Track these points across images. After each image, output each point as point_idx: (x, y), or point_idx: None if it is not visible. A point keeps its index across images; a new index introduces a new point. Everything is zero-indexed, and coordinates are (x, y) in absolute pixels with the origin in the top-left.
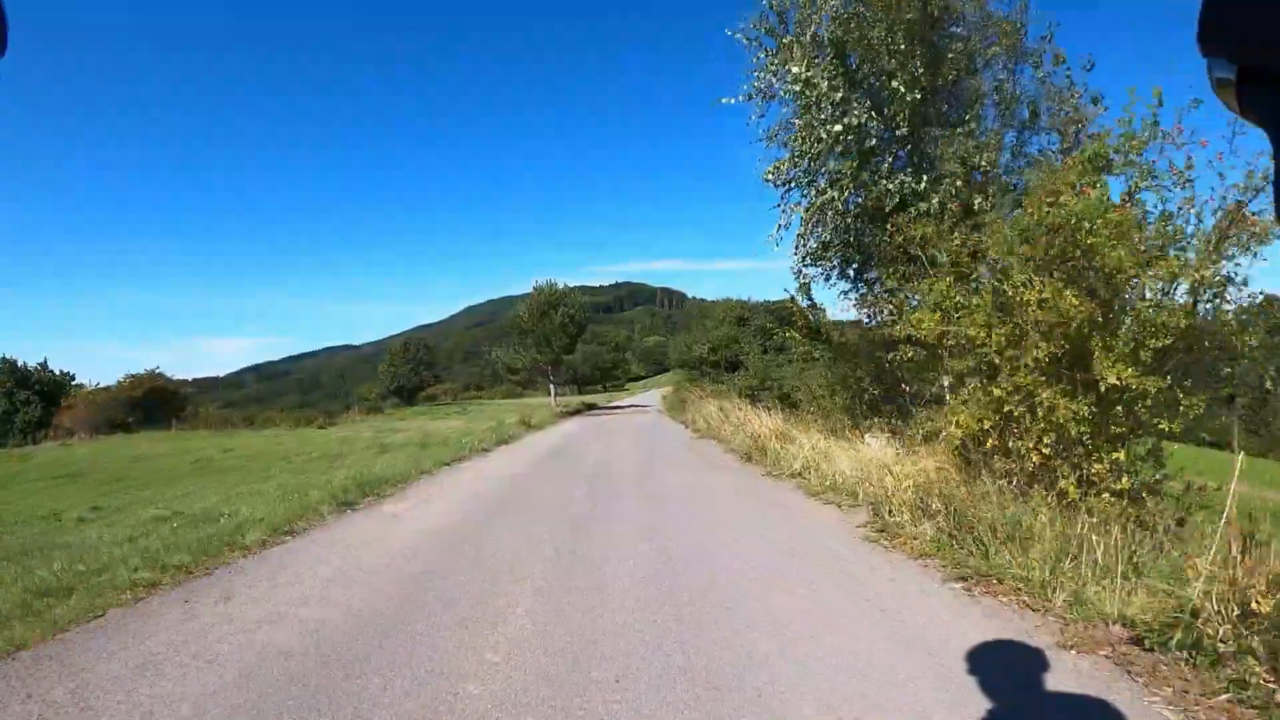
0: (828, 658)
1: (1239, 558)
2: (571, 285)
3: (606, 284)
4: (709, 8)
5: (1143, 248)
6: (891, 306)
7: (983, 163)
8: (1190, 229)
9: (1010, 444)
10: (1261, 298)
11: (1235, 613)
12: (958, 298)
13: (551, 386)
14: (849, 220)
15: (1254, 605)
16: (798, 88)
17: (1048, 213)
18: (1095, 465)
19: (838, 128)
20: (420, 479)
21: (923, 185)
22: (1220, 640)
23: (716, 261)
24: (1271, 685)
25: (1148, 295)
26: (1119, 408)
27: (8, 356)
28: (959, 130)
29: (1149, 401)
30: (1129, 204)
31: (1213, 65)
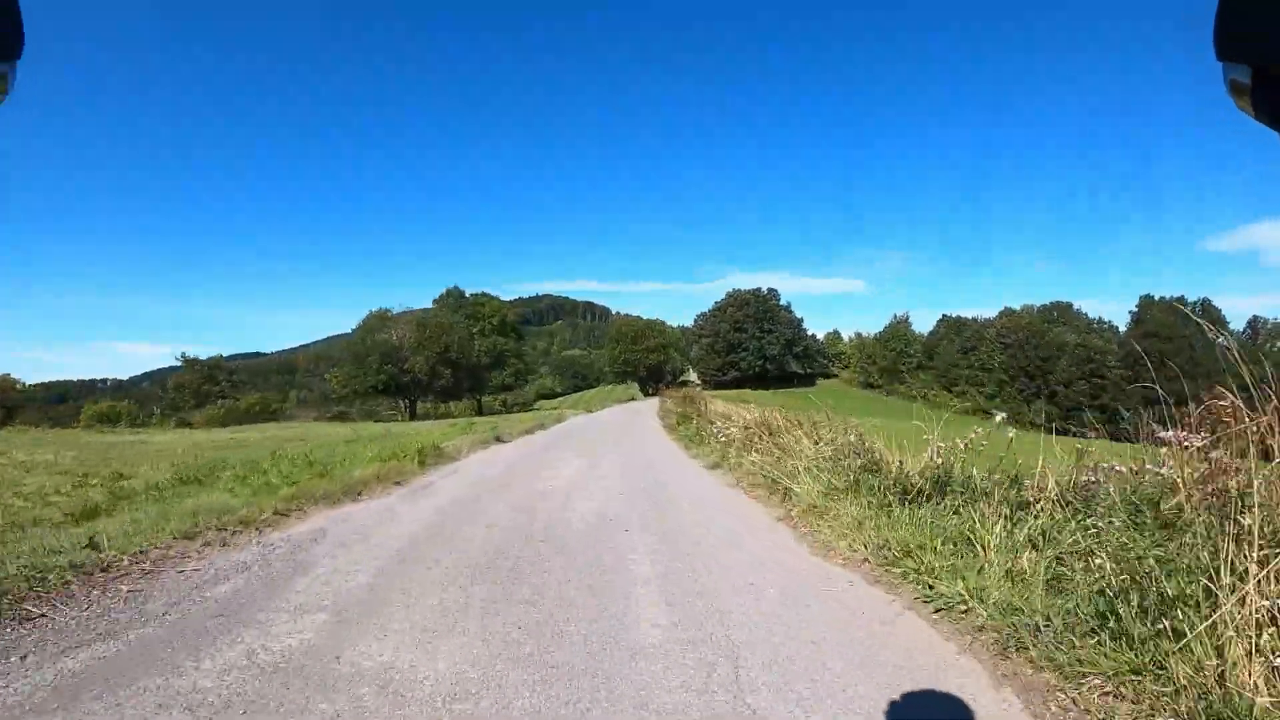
0: None
1: None
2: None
3: (527, 295)
4: (645, 21)
5: None
6: None
7: None
8: None
9: None
10: None
11: None
12: None
13: None
14: None
15: None
16: None
17: None
18: None
19: None
20: None
21: None
22: None
23: (631, 283)
24: None
25: None
26: None
27: None
28: None
29: None
30: None
31: (1228, 69)
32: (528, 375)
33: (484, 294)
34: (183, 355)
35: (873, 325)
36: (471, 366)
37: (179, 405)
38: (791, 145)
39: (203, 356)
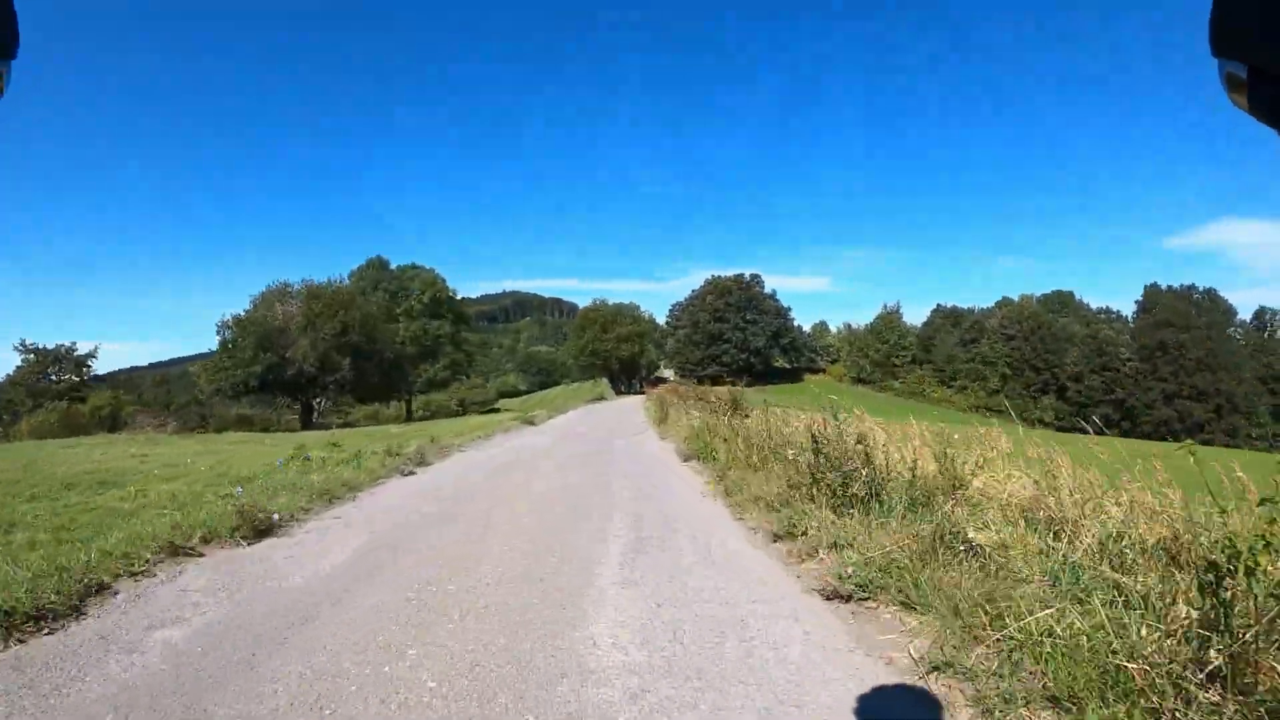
0: None
1: None
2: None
3: (494, 292)
4: (622, 24)
5: None
6: None
7: None
8: None
9: None
10: None
11: None
12: None
13: None
14: None
15: None
16: None
17: None
18: None
19: None
20: None
21: None
22: None
23: (597, 281)
24: None
25: None
26: None
27: None
28: None
29: None
30: None
31: (1224, 65)
32: (468, 368)
33: (413, 265)
34: (21, 343)
35: (840, 322)
36: (386, 356)
37: (14, 405)
38: (754, 139)
39: (178, 355)
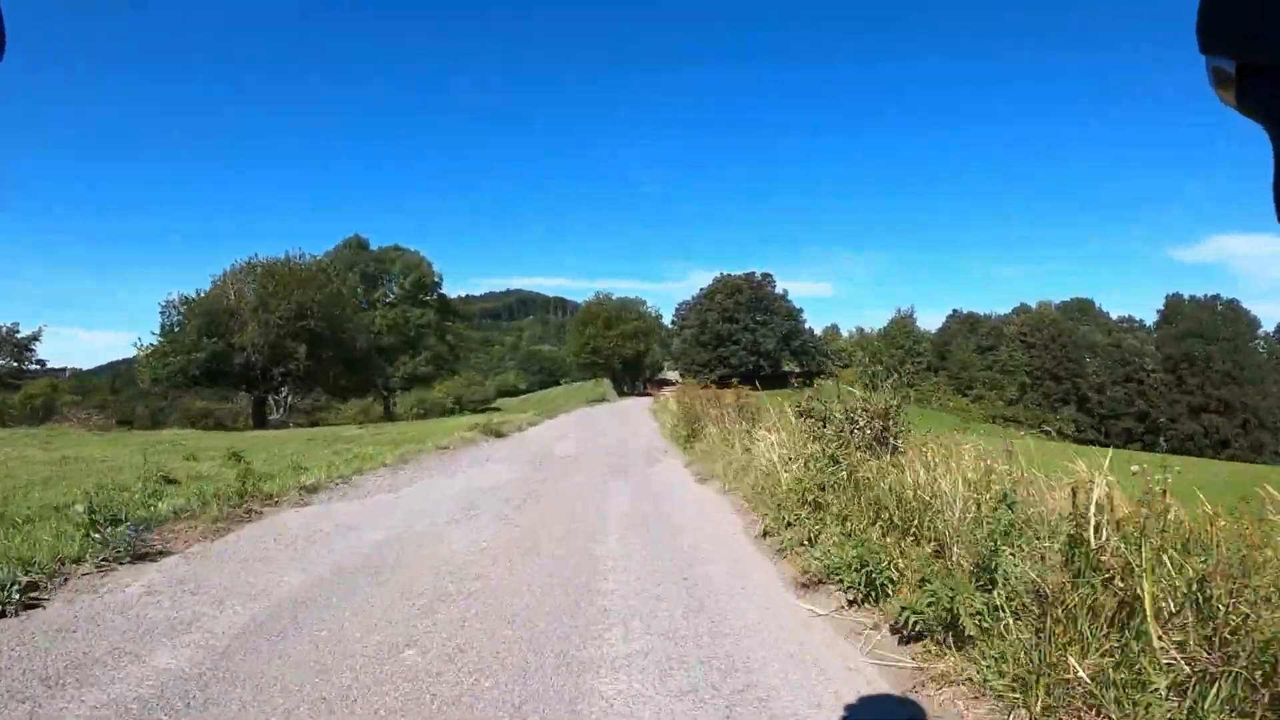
0: None
1: None
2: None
3: (498, 290)
4: (621, 19)
5: None
6: None
7: None
8: None
9: None
10: None
11: None
12: None
13: None
14: None
15: None
16: None
17: None
18: None
19: None
20: None
21: None
22: None
23: (601, 280)
24: None
25: None
26: None
27: None
28: None
29: None
30: None
31: (1212, 62)
32: (455, 362)
33: (395, 247)
34: None
35: (842, 329)
36: (356, 345)
37: None
38: (757, 143)
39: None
